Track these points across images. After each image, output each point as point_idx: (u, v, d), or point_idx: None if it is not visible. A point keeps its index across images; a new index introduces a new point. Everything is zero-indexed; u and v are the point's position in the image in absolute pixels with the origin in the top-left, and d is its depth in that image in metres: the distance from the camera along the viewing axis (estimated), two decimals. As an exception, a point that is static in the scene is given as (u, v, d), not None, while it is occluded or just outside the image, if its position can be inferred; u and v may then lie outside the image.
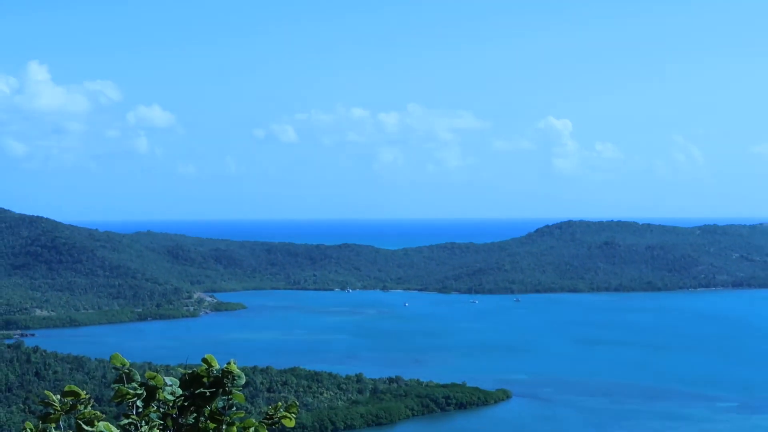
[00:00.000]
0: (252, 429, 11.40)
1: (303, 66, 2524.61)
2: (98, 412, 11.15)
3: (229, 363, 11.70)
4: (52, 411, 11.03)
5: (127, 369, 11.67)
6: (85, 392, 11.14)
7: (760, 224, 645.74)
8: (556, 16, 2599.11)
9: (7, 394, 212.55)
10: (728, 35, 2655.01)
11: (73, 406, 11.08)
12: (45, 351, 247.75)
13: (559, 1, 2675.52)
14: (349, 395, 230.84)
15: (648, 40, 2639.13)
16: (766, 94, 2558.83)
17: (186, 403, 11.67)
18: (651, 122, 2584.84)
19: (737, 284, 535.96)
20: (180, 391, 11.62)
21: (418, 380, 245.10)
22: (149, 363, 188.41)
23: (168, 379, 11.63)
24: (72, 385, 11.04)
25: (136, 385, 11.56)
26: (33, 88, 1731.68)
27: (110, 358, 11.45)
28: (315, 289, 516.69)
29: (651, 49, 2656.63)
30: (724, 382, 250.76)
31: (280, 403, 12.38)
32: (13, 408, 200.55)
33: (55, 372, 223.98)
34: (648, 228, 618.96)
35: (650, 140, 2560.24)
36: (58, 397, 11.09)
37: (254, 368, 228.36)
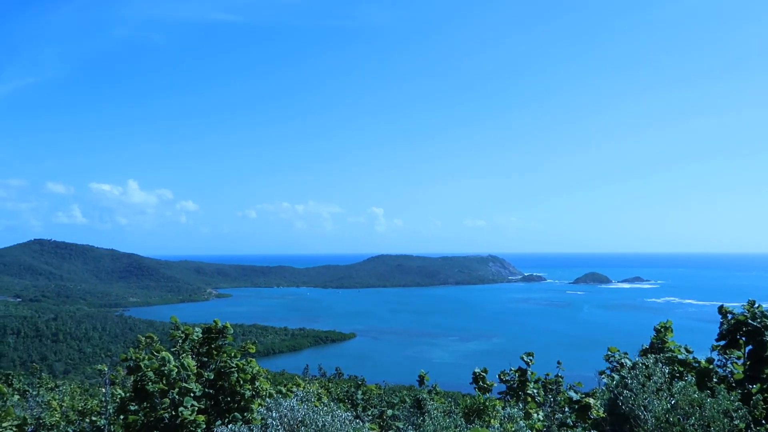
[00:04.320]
0: (233, 353, 11.55)
1: (260, 177, 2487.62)
2: (163, 347, 11.16)
3: (226, 323, 11.86)
4: (140, 344, 10.98)
5: (177, 324, 11.70)
6: (156, 336, 11.16)
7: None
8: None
9: (115, 337, 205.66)
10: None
11: (151, 343, 11.07)
12: (133, 317, 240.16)
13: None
14: (282, 336, 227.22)
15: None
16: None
17: (204, 341, 11.74)
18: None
19: (458, 283, 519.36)
20: (201, 335, 11.70)
21: (313, 329, 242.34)
22: (186, 322, 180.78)
23: (196, 329, 11.72)
24: (150, 333, 11.06)
25: (181, 332, 11.60)
26: (131, 193, 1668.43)
27: (170, 318, 11.48)
28: (265, 287, 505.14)
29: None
30: (454, 328, 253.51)
31: (248, 341, 12.60)
32: (119, 345, 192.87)
33: (139, 327, 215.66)
34: (414, 257, 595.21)
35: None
36: (144, 337, 11.08)
37: (236, 324, 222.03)
